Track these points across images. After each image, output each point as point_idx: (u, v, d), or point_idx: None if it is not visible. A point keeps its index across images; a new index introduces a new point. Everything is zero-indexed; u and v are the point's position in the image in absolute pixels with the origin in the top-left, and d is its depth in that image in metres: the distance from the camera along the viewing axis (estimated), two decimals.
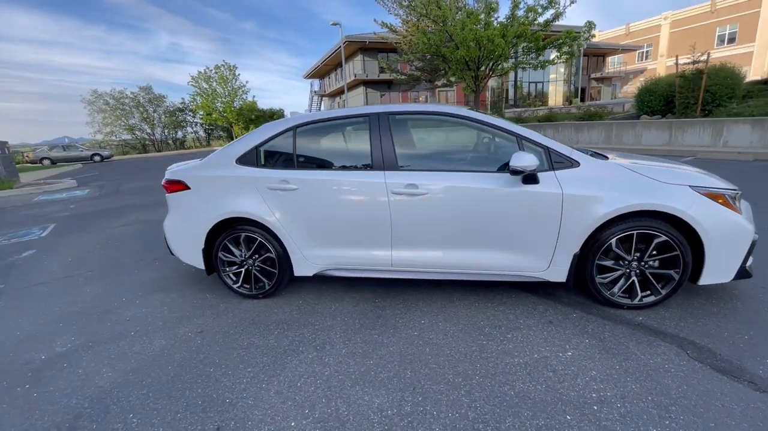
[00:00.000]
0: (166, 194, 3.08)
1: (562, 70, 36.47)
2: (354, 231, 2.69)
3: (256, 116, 35.85)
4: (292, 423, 1.71)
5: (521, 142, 2.47)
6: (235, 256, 2.92)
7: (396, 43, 26.71)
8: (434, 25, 10.53)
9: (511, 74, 40.34)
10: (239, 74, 38.10)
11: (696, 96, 10.77)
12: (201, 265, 3.01)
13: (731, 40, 35.45)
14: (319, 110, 46.43)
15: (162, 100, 39.25)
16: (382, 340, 2.33)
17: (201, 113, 38.33)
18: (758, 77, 15.04)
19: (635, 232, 2.32)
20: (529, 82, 40.18)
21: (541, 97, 39.81)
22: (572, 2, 9.43)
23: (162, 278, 3.57)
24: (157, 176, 13.55)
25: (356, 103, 33.26)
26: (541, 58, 10.64)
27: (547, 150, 2.43)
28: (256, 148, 2.85)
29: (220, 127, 40.89)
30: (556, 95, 39.53)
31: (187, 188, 2.93)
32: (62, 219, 6.78)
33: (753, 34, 34.10)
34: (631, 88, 45.11)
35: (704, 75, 10.55)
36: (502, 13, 9.68)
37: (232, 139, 44.30)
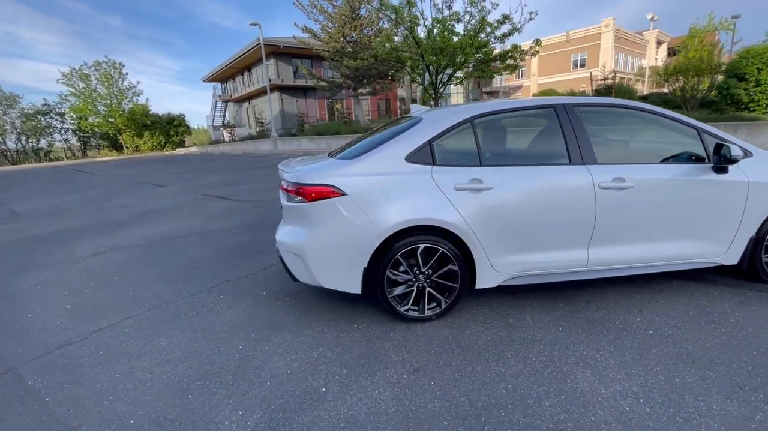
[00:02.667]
0: (301, 204, 2.39)
1: (461, 84, 40.07)
2: (552, 232, 2.46)
3: (151, 122, 31.13)
4: None
5: (702, 135, 2.58)
6: (407, 273, 2.42)
7: (316, 49, 26.18)
8: (405, 31, 10.59)
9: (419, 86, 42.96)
10: (127, 73, 32.71)
11: None
12: (356, 289, 2.42)
13: (582, 65, 43.36)
14: (224, 115, 42.91)
15: (15, 101, 31.34)
16: (631, 344, 2.16)
17: (73, 116, 31.69)
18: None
19: None
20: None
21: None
22: (530, 20, 10.49)
23: (252, 314, 2.76)
24: (46, 194, 10.69)
25: (273, 108, 31.26)
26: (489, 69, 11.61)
27: (725, 141, 2.58)
28: (429, 143, 2.42)
29: (99, 134, 34.42)
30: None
31: (342, 194, 2.32)
32: None
33: (597, 60, 42.28)
34: None
35: (613, 90, 12.72)
36: (460, 27, 10.29)
37: (119, 149, 37.73)
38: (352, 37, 25.12)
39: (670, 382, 1.84)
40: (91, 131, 33.11)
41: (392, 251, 2.35)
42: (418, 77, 11.84)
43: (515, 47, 10.79)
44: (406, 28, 10.26)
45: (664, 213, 2.52)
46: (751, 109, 11.55)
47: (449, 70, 10.98)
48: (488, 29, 10.08)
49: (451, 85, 12.99)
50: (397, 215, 2.29)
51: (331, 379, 2.01)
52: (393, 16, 10.00)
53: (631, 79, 42.89)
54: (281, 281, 3.33)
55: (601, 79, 13.07)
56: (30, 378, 2.18)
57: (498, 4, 10.32)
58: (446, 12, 10.08)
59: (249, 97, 38.35)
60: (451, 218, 2.32)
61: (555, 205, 2.43)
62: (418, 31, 10.31)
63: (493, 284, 2.51)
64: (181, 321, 2.73)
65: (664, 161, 2.67)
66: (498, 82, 51.94)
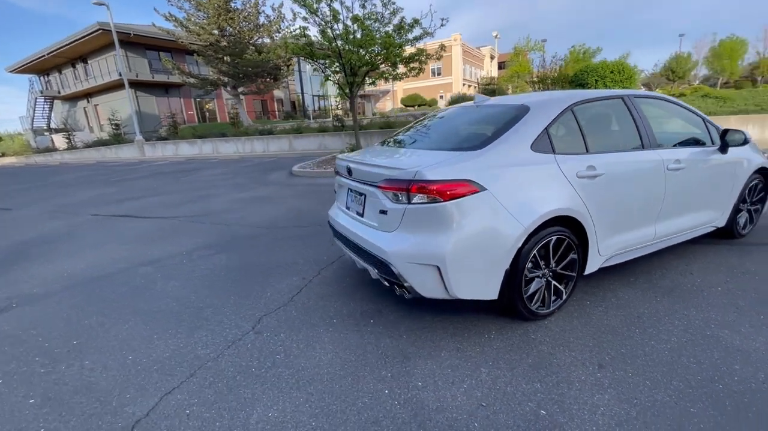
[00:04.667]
0: (432, 205, 2.01)
1: (373, 84, 40.44)
2: (638, 212, 2.66)
3: None
4: None
5: (707, 124, 3.16)
6: (537, 268, 2.28)
7: (182, 41, 22.85)
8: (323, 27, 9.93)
9: (297, 87, 41.59)
10: None
11: None
12: (494, 294, 2.17)
13: (439, 73, 48.87)
14: (49, 117, 33.75)
15: None
16: (720, 302, 2.47)
17: None
18: None
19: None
20: (312, 95, 42.48)
21: (324, 109, 41.91)
22: (442, 25, 11.11)
23: (350, 347, 2.22)
24: None
25: (125, 108, 25.92)
26: (398, 70, 11.94)
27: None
28: (546, 130, 2.32)
29: None
30: (336, 109, 43.32)
31: (482, 189, 2.04)
32: None
33: (450, 69, 48.05)
34: (380, 105, 54.62)
35: (496, 92, 14.65)
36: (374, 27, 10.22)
37: None
38: (227, 30, 22.76)
39: None
40: None
41: (529, 247, 2.18)
42: (332, 75, 11.44)
43: (421, 50, 11.44)
44: (321, 24, 9.81)
45: (697, 188, 3.00)
46: None
47: (364, 69, 10.95)
48: (401, 31, 10.42)
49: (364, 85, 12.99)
50: (539, 208, 2.14)
51: (536, 399, 1.75)
52: (309, 12, 9.44)
53: (476, 86, 49.86)
54: (340, 301, 2.78)
55: (485, 84, 14.94)
56: None
57: (403, 9, 10.77)
58: (360, 10, 10.00)
59: (87, 94, 31.18)
60: (579, 207, 2.29)
61: (643, 186, 2.64)
62: (336, 28, 9.96)
63: (595, 269, 2.58)
64: (261, 379, 2.00)
65: (674, 145, 3.17)
66: (369, 86, 54.05)
